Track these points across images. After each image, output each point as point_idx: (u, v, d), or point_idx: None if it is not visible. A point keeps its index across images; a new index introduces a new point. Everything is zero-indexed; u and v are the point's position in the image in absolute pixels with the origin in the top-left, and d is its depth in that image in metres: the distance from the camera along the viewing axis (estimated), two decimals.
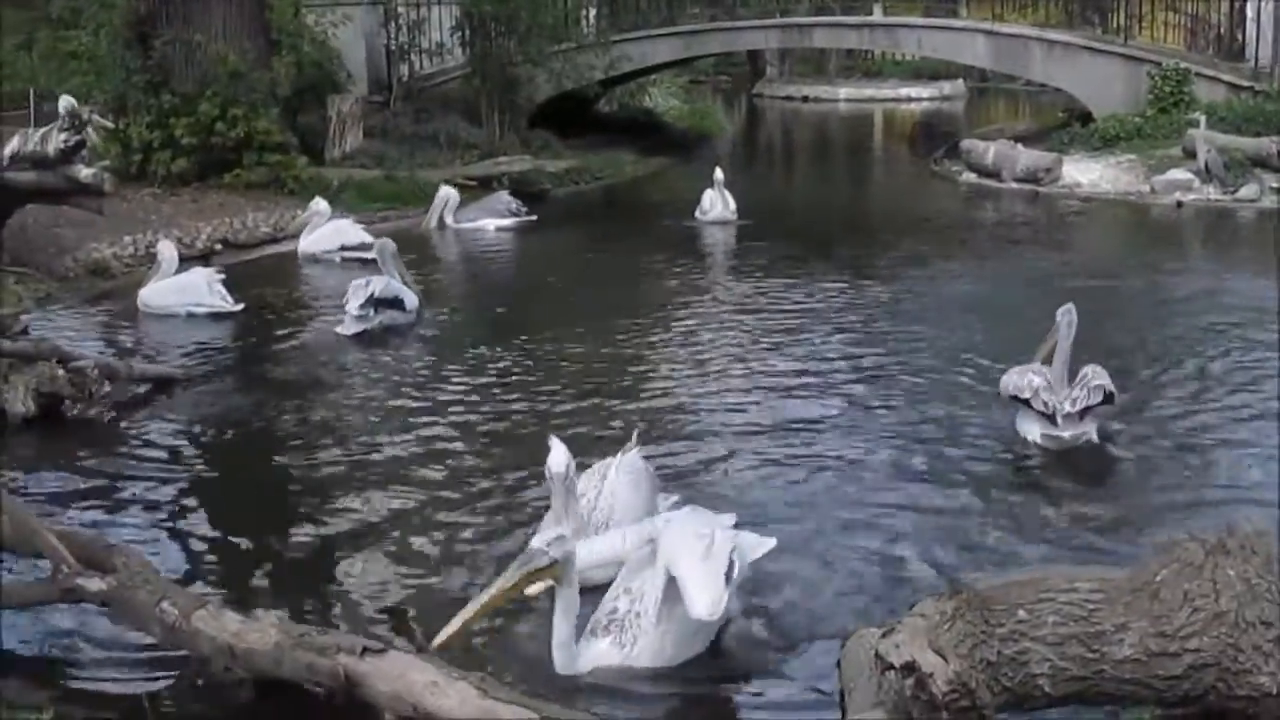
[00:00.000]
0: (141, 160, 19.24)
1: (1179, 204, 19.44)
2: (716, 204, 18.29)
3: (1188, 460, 8.61)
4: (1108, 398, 8.65)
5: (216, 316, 12.98)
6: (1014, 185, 21.70)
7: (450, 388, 10.55)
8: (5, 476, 7.92)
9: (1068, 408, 8.54)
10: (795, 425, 9.33)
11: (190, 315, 13.00)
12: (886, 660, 4.44)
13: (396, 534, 7.55)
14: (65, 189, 14.32)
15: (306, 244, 16.55)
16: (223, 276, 13.41)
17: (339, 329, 12.38)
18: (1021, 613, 4.51)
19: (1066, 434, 8.58)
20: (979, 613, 4.49)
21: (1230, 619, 4.46)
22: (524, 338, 12.00)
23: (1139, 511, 7.78)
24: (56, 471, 8.75)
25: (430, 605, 6.60)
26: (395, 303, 12.56)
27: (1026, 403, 8.69)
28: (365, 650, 5.24)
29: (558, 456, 6.49)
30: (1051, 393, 8.60)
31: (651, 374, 10.91)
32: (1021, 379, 8.76)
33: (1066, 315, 8.85)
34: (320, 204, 16.94)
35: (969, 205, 21.34)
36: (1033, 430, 8.73)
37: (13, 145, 13.79)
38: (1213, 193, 19.68)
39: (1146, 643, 4.49)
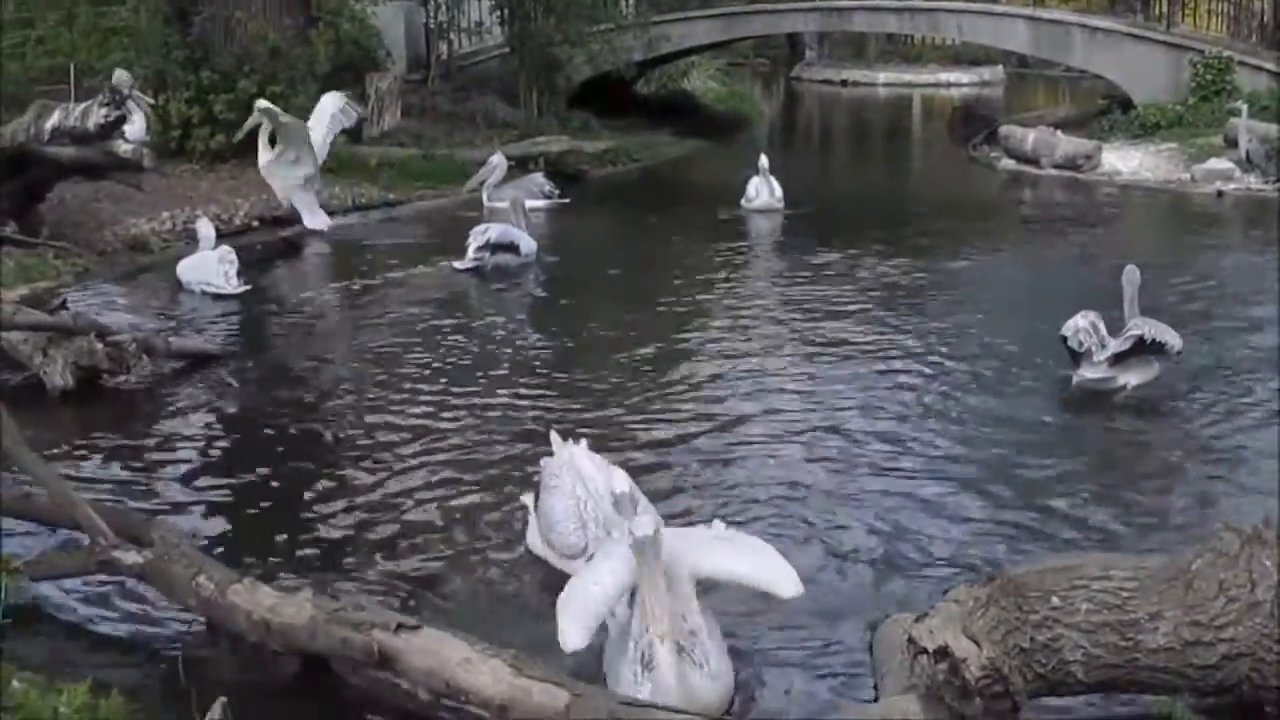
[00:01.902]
0: (181, 136, 19.33)
1: (1219, 193, 19.32)
2: (762, 191, 17.94)
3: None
4: (1150, 346, 9.23)
5: (231, 294, 13.00)
6: (1053, 172, 21.60)
7: (481, 373, 10.59)
8: (44, 449, 7.95)
9: (1100, 356, 9.27)
10: (842, 414, 9.33)
11: (204, 293, 13.06)
12: (920, 645, 4.45)
13: (437, 507, 7.59)
14: (105, 164, 14.47)
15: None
16: (233, 258, 13.30)
17: (456, 264, 14.42)
18: (1055, 600, 4.52)
19: (1089, 376, 9.34)
20: (1012, 599, 4.49)
21: (1266, 609, 4.46)
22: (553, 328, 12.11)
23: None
24: (94, 445, 8.82)
25: (472, 579, 6.69)
26: (510, 247, 14.63)
27: (1065, 340, 9.41)
28: (399, 627, 5.27)
29: (620, 480, 6.30)
30: (1090, 335, 9.31)
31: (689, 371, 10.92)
32: (1072, 320, 9.42)
33: (1129, 275, 9.50)
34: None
35: (1009, 193, 21.25)
36: (1075, 370, 9.47)
37: (53, 120, 13.91)
38: (1254, 182, 19.54)
39: (1180, 631, 4.48)
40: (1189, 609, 4.51)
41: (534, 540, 6.79)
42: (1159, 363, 9.44)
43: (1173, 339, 9.29)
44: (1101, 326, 9.37)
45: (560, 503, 6.58)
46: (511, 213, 15.18)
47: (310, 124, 16.72)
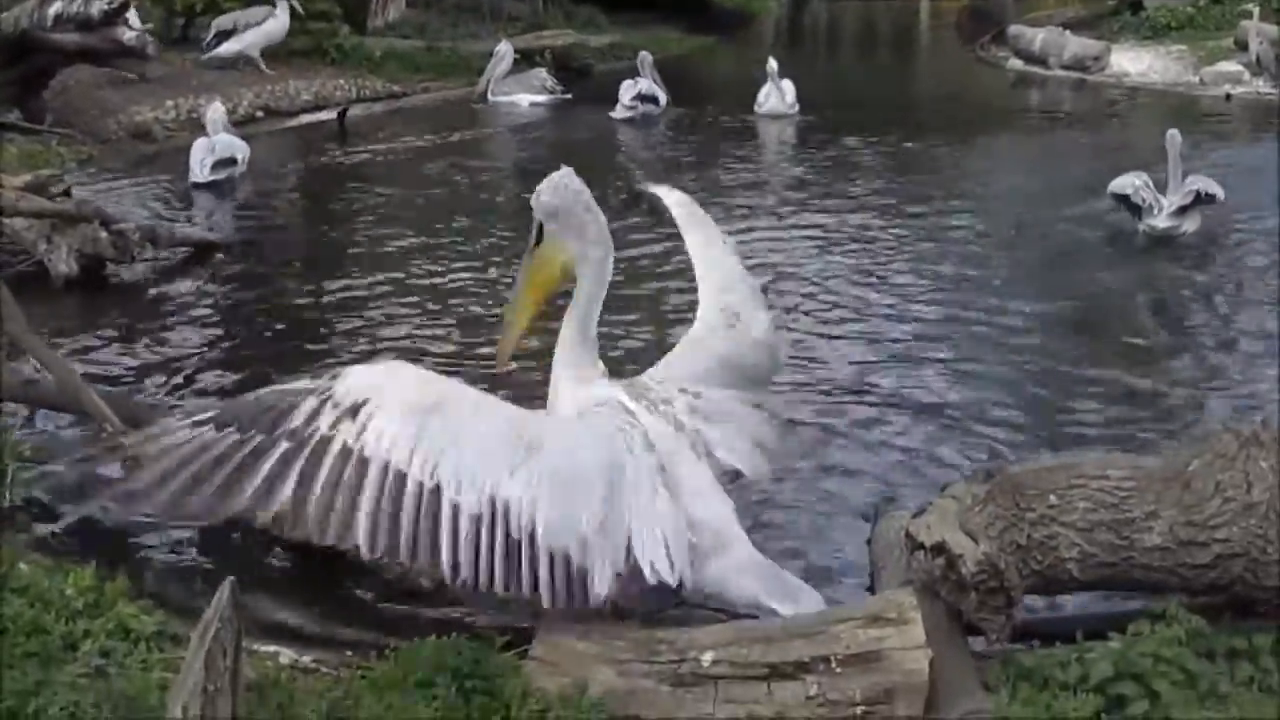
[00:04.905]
0: (184, 25, 19.18)
1: (1228, 96, 19.20)
2: (772, 96, 17.66)
3: None
4: (1205, 198, 10.86)
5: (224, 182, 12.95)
6: (1061, 73, 21.48)
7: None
8: (48, 336, 7.97)
9: (1166, 207, 10.86)
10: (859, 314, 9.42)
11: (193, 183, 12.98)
12: (917, 540, 4.48)
13: None
14: (108, 50, 14.39)
15: None
16: (219, 146, 13.08)
17: (611, 113, 17.52)
18: (1052, 498, 4.53)
19: (1159, 225, 10.91)
20: (1010, 496, 4.51)
21: (1261, 510, 4.47)
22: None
23: None
24: (98, 332, 8.83)
25: None
26: (653, 99, 17.72)
27: (1126, 199, 11.02)
28: None
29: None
30: (1149, 190, 10.92)
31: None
32: (1126, 180, 11.05)
33: (1173, 139, 11.03)
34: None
35: (1016, 93, 21.13)
36: (1138, 221, 11.04)
37: (57, 6, 13.80)
38: (1263, 85, 19.43)
39: (1176, 531, 4.50)
40: (1185, 509, 4.52)
41: None
42: (1201, 213, 11.01)
43: (1218, 189, 10.94)
44: (1151, 183, 10.95)
45: None
46: (641, 70, 17.84)
47: None
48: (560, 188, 4.82)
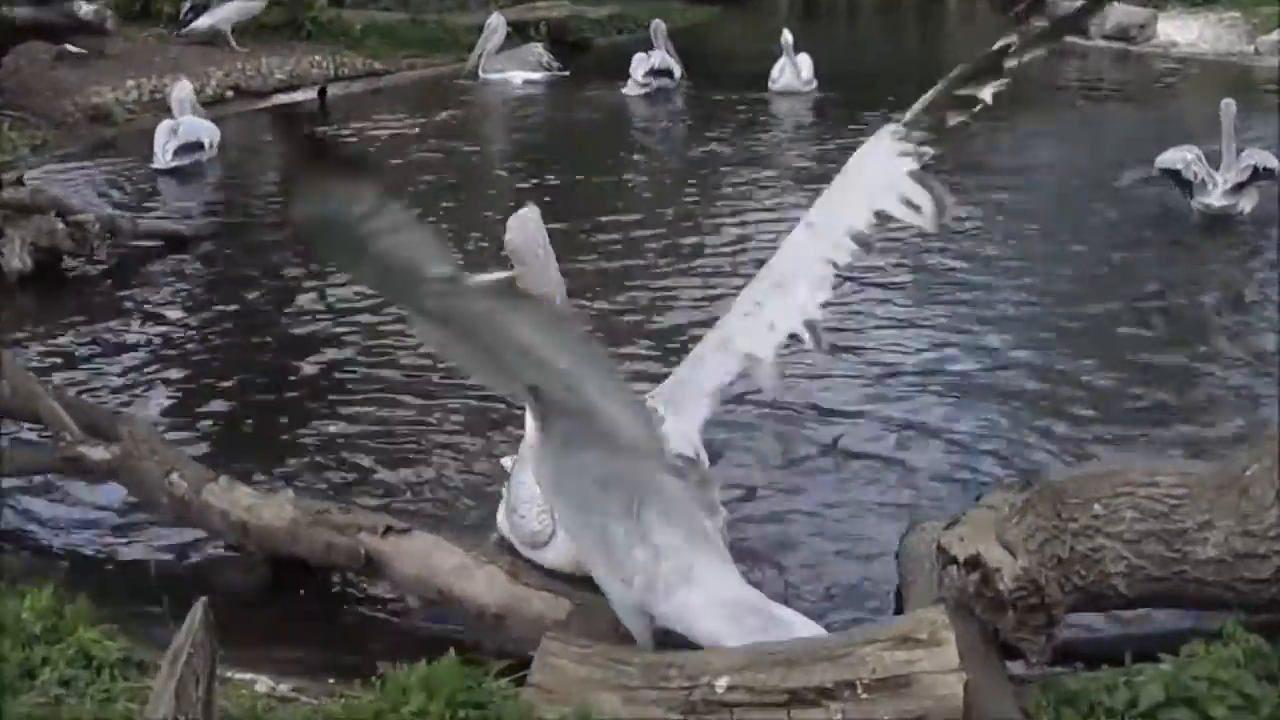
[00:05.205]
0: None
1: None
2: (786, 71, 17.41)
3: None
4: (1263, 173, 10.90)
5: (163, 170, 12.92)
6: (1103, 43, 21.44)
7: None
8: (3, 337, 7.98)
9: (1220, 183, 10.90)
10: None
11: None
12: (949, 554, 4.46)
13: (422, 404, 7.61)
14: (63, 25, 14.41)
15: None
16: (183, 129, 13.10)
17: (625, 90, 17.71)
18: (1097, 507, 4.52)
19: (1215, 203, 10.93)
20: (1051, 506, 4.50)
21: None
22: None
23: None
24: (54, 332, 8.84)
25: (461, 481, 6.69)
26: (668, 73, 17.94)
27: (1177, 175, 10.98)
28: (388, 530, 5.29)
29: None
30: (1201, 164, 10.88)
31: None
32: (1175, 154, 11.04)
33: (1227, 108, 11.11)
34: None
35: (1055, 67, 21.07)
36: (1189, 199, 11.06)
37: None
38: None
39: (1232, 543, 4.50)
40: (1242, 518, 4.51)
41: (501, 519, 5.88)
42: (1259, 190, 11.04)
43: (1276, 163, 11.01)
44: (1203, 157, 10.96)
45: (527, 479, 5.51)
46: (655, 41, 18.00)
47: None
48: (522, 227, 5.40)
